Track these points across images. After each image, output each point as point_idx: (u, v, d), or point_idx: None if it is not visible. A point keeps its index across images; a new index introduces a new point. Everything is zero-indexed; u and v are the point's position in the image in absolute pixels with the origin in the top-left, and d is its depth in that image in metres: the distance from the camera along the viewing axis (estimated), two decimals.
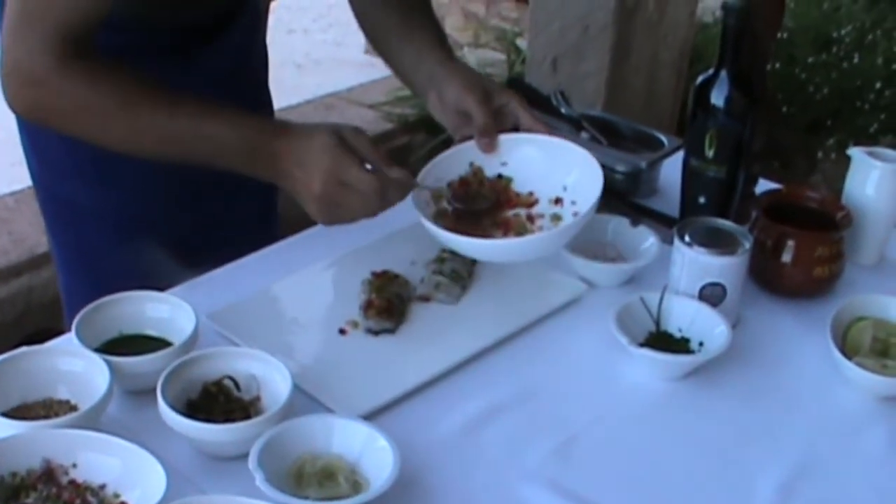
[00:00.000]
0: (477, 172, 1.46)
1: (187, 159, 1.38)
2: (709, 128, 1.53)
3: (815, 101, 3.59)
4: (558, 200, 1.44)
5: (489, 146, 1.45)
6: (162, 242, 1.60)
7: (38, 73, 1.32)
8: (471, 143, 1.45)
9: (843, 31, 3.84)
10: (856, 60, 3.70)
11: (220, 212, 1.69)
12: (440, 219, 1.40)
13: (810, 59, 3.71)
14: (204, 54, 1.59)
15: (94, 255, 1.66)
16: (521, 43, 3.81)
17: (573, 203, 1.43)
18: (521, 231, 1.41)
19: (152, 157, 1.40)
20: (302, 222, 1.57)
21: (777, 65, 3.69)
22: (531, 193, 1.46)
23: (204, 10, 1.57)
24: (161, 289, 1.41)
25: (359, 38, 5.97)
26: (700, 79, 1.55)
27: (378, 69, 4.25)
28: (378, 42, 1.65)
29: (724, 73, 1.51)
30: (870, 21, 3.94)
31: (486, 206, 1.44)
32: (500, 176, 1.46)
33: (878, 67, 3.64)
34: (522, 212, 1.44)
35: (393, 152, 3.51)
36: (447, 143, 3.16)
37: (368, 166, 1.32)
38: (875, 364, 1.32)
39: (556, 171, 1.44)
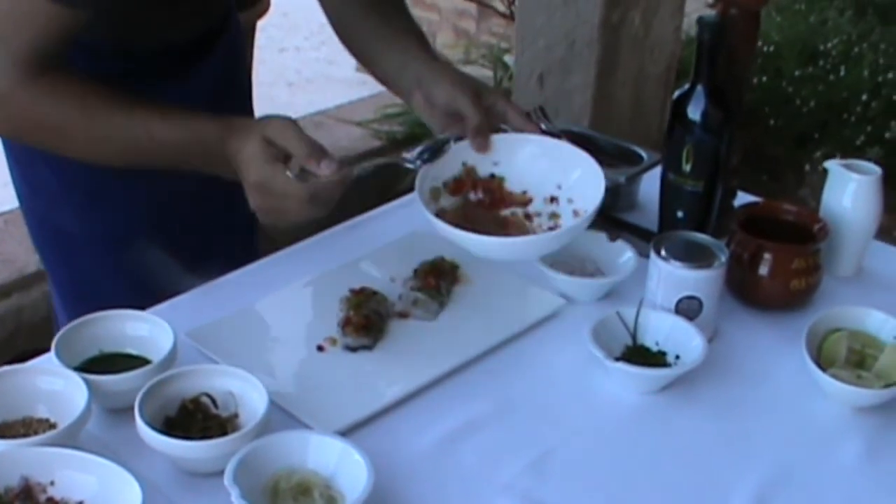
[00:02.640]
0: (469, 172, 1.46)
1: (153, 165, 1.41)
2: (686, 142, 1.54)
3: (802, 113, 3.61)
4: (553, 199, 1.45)
5: (483, 145, 1.45)
6: (152, 263, 1.61)
7: (3, 89, 1.33)
8: (462, 144, 1.44)
9: (829, 44, 3.86)
10: (842, 73, 3.72)
11: (209, 228, 1.70)
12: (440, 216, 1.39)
13: (797, 72, 3.73)
14: (187, 78, 1.59)
15: (84, 277, 1.67)
16: (509, 59, 3.82)
17: (570, 201, 1.43)
18: (522, 229, 1.43)
19: (121, 165, 1.44)
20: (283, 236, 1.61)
21: (764, 78, 3.72)
22: (525, 192, 1.46)
23: (185, 33, 1.57)
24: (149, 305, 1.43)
25: (350, 57, 6.02)
26: (677, 94, 1.56)
27: (370, 87, 4.26)
28: (359, 49, 1.67)
29: (700, 88, 1.52)
30: (856, 34, 3.96)
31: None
32: (492, 175, 1.46)
33: (865, 80, 3.66)
34: (519, 210, 1.45)
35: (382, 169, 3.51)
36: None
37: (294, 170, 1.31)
38: (850, 375, 1.33)
39: (549, 169, 1.45)
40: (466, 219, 1.41)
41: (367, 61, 1.66)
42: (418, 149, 1.45)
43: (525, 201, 1.46)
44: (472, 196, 1.45)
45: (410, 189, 1.84)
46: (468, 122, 1.45)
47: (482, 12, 5.23)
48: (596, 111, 3.03)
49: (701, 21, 1.51)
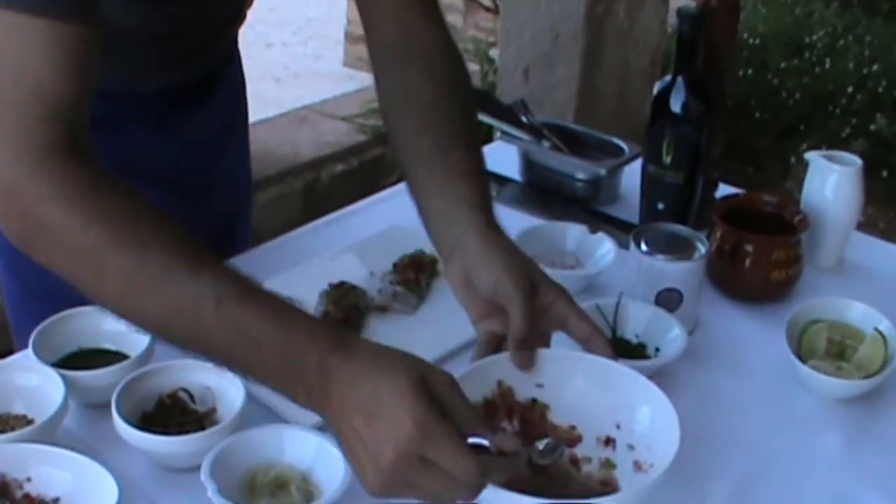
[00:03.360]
0: (506, 394, 1.14)
1: (202, 353, 1.04)
2: (666, 134, 1.54)
3: (788, 106, 3.61)
4: (609, 441, 1.13)
5: (527, 360, 1.13)
6: None
7: (11, 185, 1.01)
8: (499, 357, 1.14)
9: (815, 37, 3.86)
10: (828, 65, 3.72)
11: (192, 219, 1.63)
12: None
13: (783, 65, 3.73)
14: (191, 119, 1.52)
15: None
16: (495, 53, 3.81)
17: (630, 448, 1.12)
18: (566, 481, 1.11)
19: (157, 334, 1.12)
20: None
21: (749, 70, 3.72)
22: (573, 428, 1.14)
23: (191, 72, 1.51)
24: None
25: (338, 52, 6.03)
26: (658, 86, 1.56)
27: (358, 81, 4.27)
28: (400, 164, 1.30)
29: (680, 80, 1.52)
30: (842, 26, 3.96)
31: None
32: (534, 401, 1.15)
33: (850, 72, 3.66)
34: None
35: (367, 164, 3.51)
36: None
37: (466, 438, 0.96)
38: (830, 367, 1.33)
39: (608, 401, 1.14)
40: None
41: (407, 183, 1.29)
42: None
43: (573, 439, 1.14)
44: (505, 426, 1.13)
45: (395, 182, 1.84)
46: (512, 323, 1.12)
47: (468, 7, 5.22)
48: (581, 104, 3.03)
49: (681, 13, 1.51)
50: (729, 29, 1.60)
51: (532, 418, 1.14)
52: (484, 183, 1.23)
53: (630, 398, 1.13)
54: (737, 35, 1.62)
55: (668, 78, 1.54)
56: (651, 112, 1.55)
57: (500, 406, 1.14)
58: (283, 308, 1.00)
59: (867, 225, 3.34)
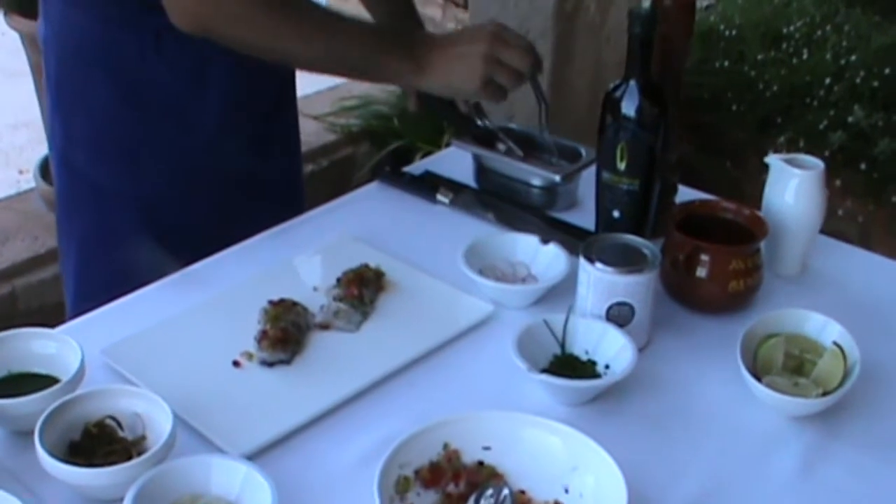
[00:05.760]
0: (452, 457, 1.16)
1: (348, 72, 1.63)
2: (619, 139, 1.48)
3: (765, 98, 3.55)
4: None
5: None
6: (180, 225, 1.65)
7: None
8: (446, 420, 1.18)
9: (792, 27, 3.81)
10: (805, 56, 3.66)
11: (240, 197, 1.72)
12: None
13: (760, 56, 3.67)
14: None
15: (111, 236, 1.67)
16: None
17: None
18: None
19: (318, 65, 1.57)
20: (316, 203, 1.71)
21: (726, 62, 3.66)
22: (522, 492, 1.15)
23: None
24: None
25: None
26: (609, 88, 1.50)
27: (328, 80, 4.20)
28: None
29: (633, 83, 1.47)
30: (819, 16, 3.91)
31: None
32: (481, 463, 1.16)
33: (828, 63, 3.61)
34: None
35: (337, 163, 3.46)
36: (393, 155, 3.13)
37: None
38: (787, 383, 1.28)
39: (555, 464, 1.15)
40: None
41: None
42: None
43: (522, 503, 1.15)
44: (452, 490, 1.14)
45: (367, 181, 1.80)
46: None
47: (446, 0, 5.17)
48: (553, 100, 2.95)
49: (632, 13, 1.45)
50: (684, 28, 1.55)
51: (479, 482, 1.14)
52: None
53: (577, 460, 1.14)
54: (693, 34, 1.56)
55: (617, 81, 1.48)
56: (601, 116, 1.49)
57: (447, 469, 1.15)
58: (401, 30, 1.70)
59: (845, 218, 3.30)
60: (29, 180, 3.39)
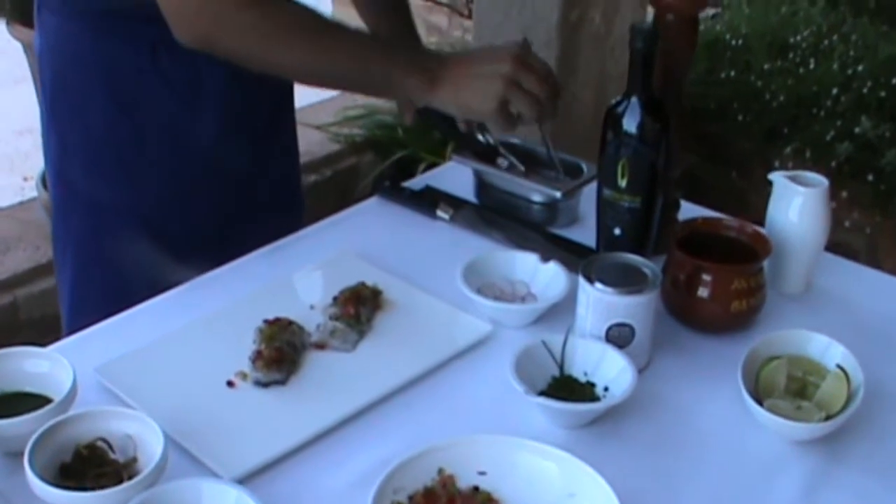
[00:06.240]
0: (447, 482, 1.15)
1: (348, 84, 1.63)
2: (621, 156, 1.46)
3: (772, 108, 3.52)
4: None
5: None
6: (176, 240, 1.63)
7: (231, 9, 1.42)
8: (440, 444, 1.17)
9: (799, 37, 3.78)
10: (812, 66, 3.64)
11: (239, 207, 1.71)
12: None
13: (766, 66, 3.65)
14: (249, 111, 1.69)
15: (108, 252, 1.65)
16: None
17: None
18: None
19: (323, 76, 1.53)
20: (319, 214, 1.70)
21: (732, 72, 3.64)
22: None
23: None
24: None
25: None
26: (610, 104, 1.48)
27: (330, 90, 4.20)
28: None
29: (634, 99, 1.45)
30: (826, 25, 3.88)
31: None
32: (476, 489, 1.15)
33: (835, 73, 3.58)
34: None
35: (340, 173, 3.44)
36: (396, 165, 3.11)
37: None
38: (789, 406, 1.26)
39: (550, 489, 1.15)
40: None
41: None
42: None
43: None
44: None
45: (368, 196, 1.78)
46: None
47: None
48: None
49: (634, 28, 1.43)
50: (687, 43, 1.53)
51: None
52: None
53: (574, 487, 1.13)
54: (696, 49, 1.54)
55: (619, 97, 1.46)
56: (602, 132, 1.47)
57: (441, 495, 1.13)
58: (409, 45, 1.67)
59: (852, 230, 3.28)
60: (33, 188, 3.38)
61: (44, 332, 1.92)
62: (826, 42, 3.77)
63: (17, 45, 3.21)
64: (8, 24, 3.13)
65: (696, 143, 3.30)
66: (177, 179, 1.62)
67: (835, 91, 3.51)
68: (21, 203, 3.28)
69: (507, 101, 1.46)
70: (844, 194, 3.19)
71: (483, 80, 1.46)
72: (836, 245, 1.62)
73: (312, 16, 1.47)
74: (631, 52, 1.44)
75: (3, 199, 3.45)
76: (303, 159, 3.36)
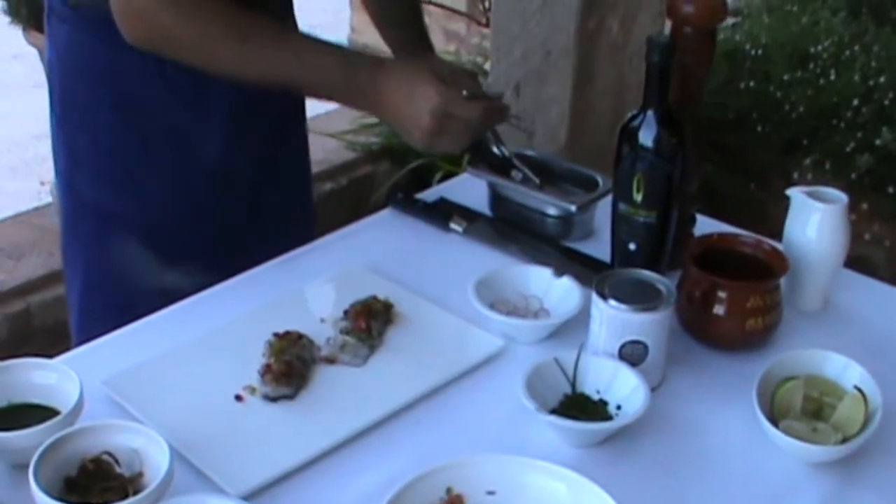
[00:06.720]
0: (455, 502, 1.14)
1: (295, 88, 1.53)
2: (636, 170, 1.44)
3: (791, 119, 3.50)
4: None
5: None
6: (185, 251, 1.62)
7: (150, 8, 1.41)
8: (449, 463, 1.15)
9: (820, 47, 3.75)
10: (833, 77, 3.60)
11: (248, 217, 1.70)
12: None
13: (786, 76, 3.62)
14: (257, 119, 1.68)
15: (116, 263, 1.64)
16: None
17: None
18: None
19: (263, 84, 1.49)
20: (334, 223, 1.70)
21: (752, 83, 3.61)
22: None
23: None
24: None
25: None
26: (626, 118, 1.46)
27: None
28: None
29: (650, 113, 1.43)
30: (848, 35, 3.85)
31: None
32: None
33: (856, 84, 3.55)
34: None
35: (356, 182, 3.43)
36: (413, 173, 3.10)
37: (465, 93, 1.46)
38: (805, 428, 1.23)
39: None
40: None
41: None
42: None
43: None
44: None
45: (383, 205, 1.77)
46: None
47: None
48: (574, 121, 2.93)
49: (650, 41, 1.42)
50: (704, 56, 1.51)
51: None
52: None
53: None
54: (713, 62, 1.52)
55: (634, 111, 1.44)
56: (617, 147, 1.45)
57: None
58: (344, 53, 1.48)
59: (872, 243, 3.25)
60: (49, 192, 3.39)
61: (56, 339, 1.91)
62: (847, 52, 3.73)
63: (35, 51, 3.21)
64: (24, 30, 3.14)
65: (714, 154, 3.27)
66: (184, 189, 1.62)
67: (856, 102, 3.48)
68: (36, 209, 3.28)
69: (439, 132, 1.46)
70: (864, 206, 3.17)
71: (410, 125, 1.46)
72: (856, 259, 1.59)
73: (248, 19, 1.44)
74: (647, 65, 1.42)
75: (21, 204, 3.46)
76: (318, 167, 3.38)
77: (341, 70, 1.45)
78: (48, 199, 3.37)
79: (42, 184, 4.01)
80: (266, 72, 1.45)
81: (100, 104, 1.57)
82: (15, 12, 3.19)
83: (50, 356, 1.34)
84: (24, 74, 4.52)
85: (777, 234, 1.52)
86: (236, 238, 1.67)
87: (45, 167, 4.06)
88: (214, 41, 1.43)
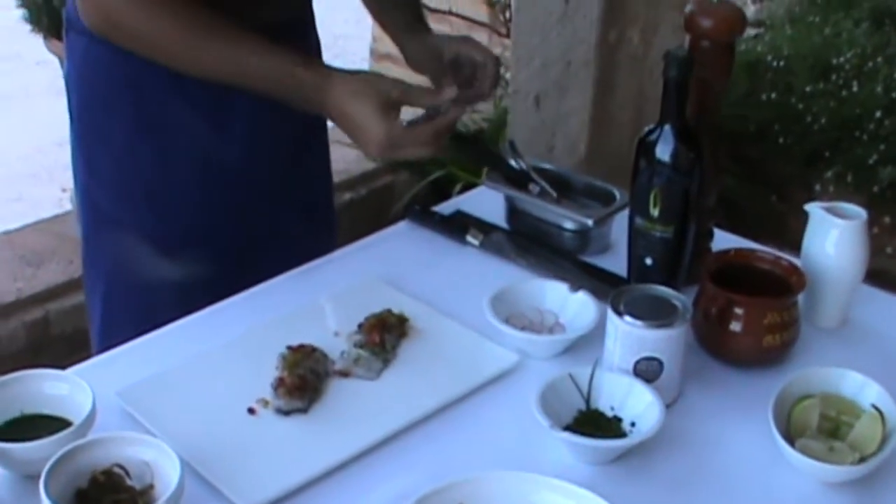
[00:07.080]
0: None
1: (245, 89, 1.48)
2: (654, 185, 1.44)
3: (813, 131, 3.48)
4: None
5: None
6: (206, 261, 1.61)
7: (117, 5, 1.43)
8: (461, 479, 1.15)
9: (842, 58, 3.73)
10: (855, 89, 3.58)
11: (267, 227, 1.69)
12: None
13: (808, 88, 3.60)
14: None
15: (137, 276, 1.64)
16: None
17: None
18: None
19: (218, 83, 1.47)
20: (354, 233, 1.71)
21: (773, 94, 3.60)
22: None
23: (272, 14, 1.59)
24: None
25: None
26: (643, 132, 1.46)
27: None
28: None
29: (667, 127, 1.42)
30: (871, 47, 3.82)
31: None
32: None
33: (878, 96, 3.53)
34: None
35: (376, 192, 3.43)
36: (432, 184, 3.09)
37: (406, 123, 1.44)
38: (821, 447, 1.22)
39: None
40: None
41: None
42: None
43: None
44: None
45: (403, 216, 1.76)
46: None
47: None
48: (594, 133, 2.91)
49: (668, 56, 1.41)
50: (722, 70, 1.50)
51: None
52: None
53: None
54: (731, 76, 1.51)
55: (652, 125, 1.43)
56: (634, 161, 1.45)
57: None
58: (294, 61, 1.45)
59: (894, 256, 3.22)
60: (70, 199, 3.40)
61: (75, 347, 1.91)
62: (870, 64, 3.72)
63: (57, 59, 3.23)
64: (45, 38, 3.16)
65: (735, 166, 3.26)
66: (203, 201, 1.61)
67: (878, 114, 3.47)
68: (56, 217, 3.29)
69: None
70: (887, 220, 3.14)
71: (359, 144, 1.47)
72: (877, 272, 1.58)
73: (207, 16, 1.45)
74: (665, 79, 1.41)
75: (43, 211, 3.47)
76: (338, 177, 3.37)
77: (292, 80, 1.45)
78: (69, 206, 3.38)
79: (63, 190, 4.03)
80: (217, 69, 1.46)
81: (118, 119, 1.57)
82: (36, 20, 3.21)
83: (66, 366, 1.35)
84: (46, 81, 4.54)
85: (798, 246, 1.50)
86: (255, 250, 1.66)
87: (66, 174, 4.06)
88: (166, 33, 1.44)
